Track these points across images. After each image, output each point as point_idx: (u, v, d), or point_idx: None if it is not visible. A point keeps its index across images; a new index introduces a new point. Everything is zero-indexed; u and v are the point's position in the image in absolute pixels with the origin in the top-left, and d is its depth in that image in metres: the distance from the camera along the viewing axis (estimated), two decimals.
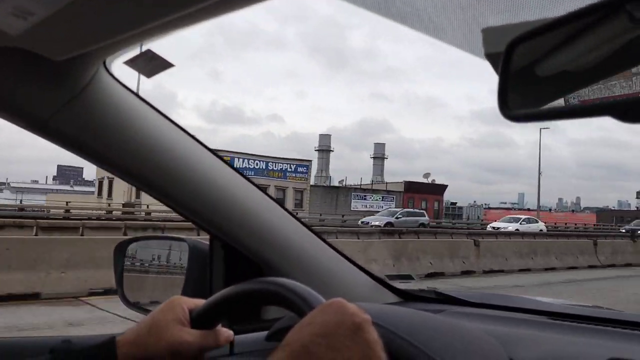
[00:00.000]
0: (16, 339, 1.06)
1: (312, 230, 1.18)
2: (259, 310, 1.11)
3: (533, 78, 0.57)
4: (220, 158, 1.04)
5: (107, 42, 0.72)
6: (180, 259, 1.20)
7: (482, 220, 55.59)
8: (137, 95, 0.91)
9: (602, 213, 68.73)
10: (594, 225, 53.28)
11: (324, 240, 1.20)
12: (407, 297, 1.28)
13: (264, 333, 1.00)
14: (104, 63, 0.83)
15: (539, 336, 0.88)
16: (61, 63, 0.78)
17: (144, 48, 0.78)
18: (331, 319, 0.55)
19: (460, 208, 67.01)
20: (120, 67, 0.85)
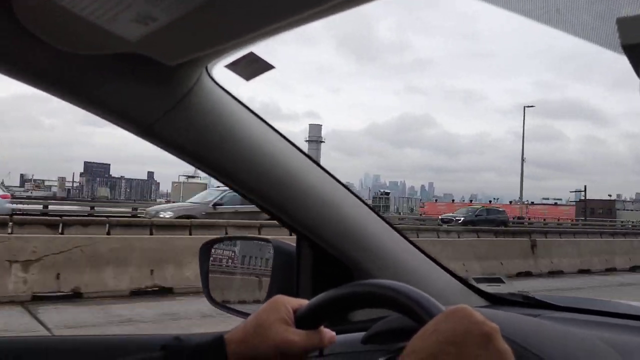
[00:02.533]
0: (128, 335, 1.09)
1: (398, 231, 1.16)
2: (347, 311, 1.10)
3: None
4: (312, 159, 1.04)
5: (216, 48, 0.73)
6: (264, 260, 1.21)
7: (420, 214, 54.15)
8: (236, 99, 0.92)
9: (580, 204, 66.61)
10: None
11: (410, 241, 1.17)
12: (494, 300, 1.24)
13: (357, 335, 0.98)
14: (206, 67, 0.84)
15: None
16: (168, 68, 0.79)
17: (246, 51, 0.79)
18: (458, 327, 0.53)
19: (389, 199, 64.21)
20: (220, 70, 0.86)
